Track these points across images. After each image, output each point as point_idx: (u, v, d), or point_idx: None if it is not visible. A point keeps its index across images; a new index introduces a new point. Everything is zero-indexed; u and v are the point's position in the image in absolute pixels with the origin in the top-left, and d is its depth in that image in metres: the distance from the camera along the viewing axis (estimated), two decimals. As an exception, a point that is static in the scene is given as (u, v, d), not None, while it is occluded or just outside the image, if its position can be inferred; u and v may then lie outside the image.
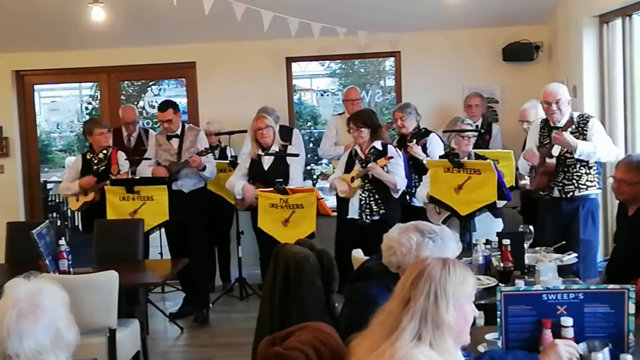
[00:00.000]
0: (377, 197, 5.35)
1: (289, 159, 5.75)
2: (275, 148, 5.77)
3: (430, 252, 2.66)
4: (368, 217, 5.35)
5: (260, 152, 5.76)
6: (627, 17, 5.23)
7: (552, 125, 4.92)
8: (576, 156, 4.73)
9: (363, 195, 5.38)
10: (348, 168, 5.58)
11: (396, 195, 5.45)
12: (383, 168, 5.28)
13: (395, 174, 5.34)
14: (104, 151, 6.03)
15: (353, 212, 5.44)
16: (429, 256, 2.58)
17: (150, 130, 7.19)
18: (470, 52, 6.92)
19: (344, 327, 2.62)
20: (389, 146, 5.52)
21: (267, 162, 5.79)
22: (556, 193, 4.91)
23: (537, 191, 5.11)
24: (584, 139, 4.75)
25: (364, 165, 5.40)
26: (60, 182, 7.18)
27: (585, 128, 4.80)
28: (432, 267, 2.03)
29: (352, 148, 5.58)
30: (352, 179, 5.41)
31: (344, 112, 6.77)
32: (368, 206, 5.35)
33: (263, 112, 6.40)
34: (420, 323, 1.95)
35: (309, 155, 8.56)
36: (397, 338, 1.94)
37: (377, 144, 5.47)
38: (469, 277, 2.06)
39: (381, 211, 5.35)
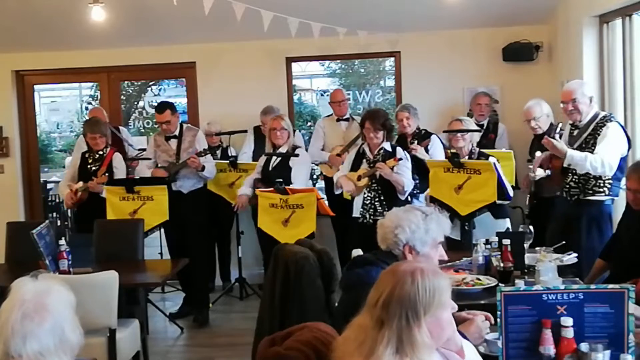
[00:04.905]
0: (382, 197, 5.29)
1: (291, 162, 5.75)
2: (283, 149, 5.79)
3: (435, 225, 2.85)
4: (371, 217, 5.31)
5: (270, 151, 5.81)
6: (627, 17, 5.23)
7: (573, 124, 4.72)
8: (565, 164, 4.50)
9: (369, 195, 5.32)
10: (355, 167, 5.54)
11: (402, 197, 5.34)
12: (392, 169, 5.25)
13: (403, 176, 5.24)
14: (101, 152, 6.04)
15: (357, 211, 5.41)
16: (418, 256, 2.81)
17: (122, 127, 7.18)
18: (470, 52, 6.92)
19: (341, 315, 2.61)
20: (398, 148, 5.43)
21: (274, 161, 5.82)
22: (564, 194, 4.73)
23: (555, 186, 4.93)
24: (594, 142, 4.51)
25: (371, 165, 5.36)
26: (59, 182, 7.18)
27: (599, 131, 4.52)
28: (401, 285, 1.97)
29: (360, 147, 5.54)
30: (359, 178, 5.38)
31: (332, 114, 6.79)
32: (372, 206, 5.30)
33: (270, 111, 6.42)
34: (397, 345, 1.93)
35: (308, 156, 8.54)
36: None
37: (387, 145, 5.37)
38: (442, 284, 2.01)
39: (385, 212, 5.29)
